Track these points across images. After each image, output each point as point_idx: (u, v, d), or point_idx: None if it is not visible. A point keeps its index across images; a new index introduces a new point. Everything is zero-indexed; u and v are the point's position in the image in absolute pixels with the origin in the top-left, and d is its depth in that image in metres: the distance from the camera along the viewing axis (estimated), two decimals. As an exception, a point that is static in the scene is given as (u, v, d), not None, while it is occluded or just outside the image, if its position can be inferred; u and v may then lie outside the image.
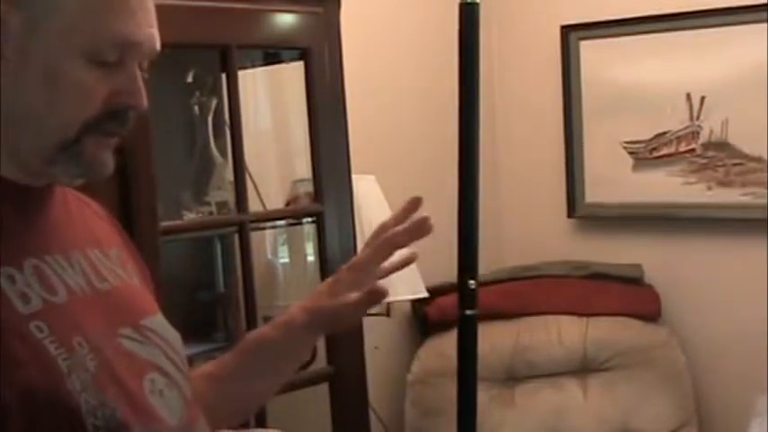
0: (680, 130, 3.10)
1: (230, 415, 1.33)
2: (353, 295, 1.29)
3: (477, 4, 1.33)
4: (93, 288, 1.10)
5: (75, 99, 1.03)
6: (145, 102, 1.08)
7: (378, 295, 1.27)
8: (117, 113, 1.06)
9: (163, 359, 1.13)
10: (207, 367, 1.34)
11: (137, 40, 1.05)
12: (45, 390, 0.96)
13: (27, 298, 1.00)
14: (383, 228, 1.32)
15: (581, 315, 3.06)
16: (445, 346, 2.83)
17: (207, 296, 2.43)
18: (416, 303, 2.99)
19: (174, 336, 1.19)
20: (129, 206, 1.85)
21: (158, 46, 1.08)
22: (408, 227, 1.30)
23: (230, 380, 1.33)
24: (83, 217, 1.18)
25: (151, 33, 1.07)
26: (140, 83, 1.07)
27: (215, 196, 2.27)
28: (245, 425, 1.51)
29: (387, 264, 1.33)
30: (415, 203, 1.31)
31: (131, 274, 1.20)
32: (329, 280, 1.35)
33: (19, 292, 1.00)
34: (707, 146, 3.06)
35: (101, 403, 1.00)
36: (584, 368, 3.00)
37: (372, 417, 2.50)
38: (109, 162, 1.08)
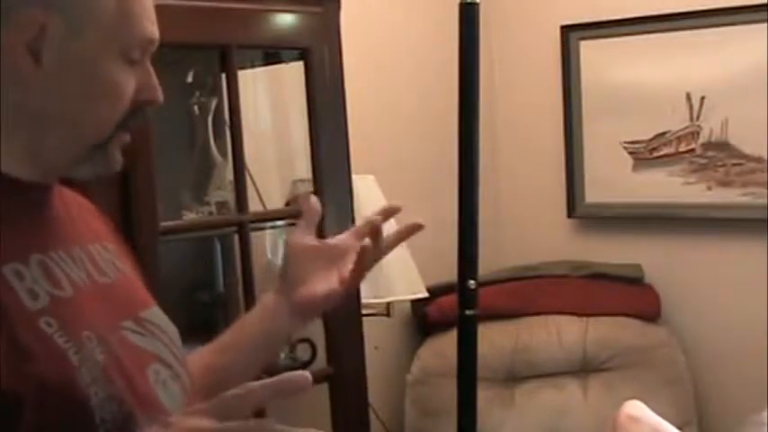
0: (680, 131, 3.10)
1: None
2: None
3: (477, 4, 1.33)
4: (93, 282, 1.11)
5: (112, 98, 1.06)
6: (161, 95, 1.11)
7: (306, 205, 1.33)
8: (137, 109, 1.09)
9: (164, 351, 1.15)
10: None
11: (154, 38, 1.09)
12: (58, 383, 0.97)
13: (35, 294, 1.01)
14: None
15: (581, 315, 3.06)
16: (445, 346, 2.83)
17: (207, 296, 2.43)
18: (416, 303, 2.99)
19: (172, 328, 1.21)
20: (129, 206, 1.85)
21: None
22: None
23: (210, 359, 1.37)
24: (80, 214, 1.19)
25: (156, 30, 1.10)
26: (155, 78, 1.10)
27: (215, 196, 2.27)
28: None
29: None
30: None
31: (127, 268, 1.22)
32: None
33: (27, 288, 1.00)
34: (707, 146, 3.06)
35: (109, 396, 1.00)
36: (584, 368, 3.00)
37: (372, 417, 2.50)
38: (120, 157, 1.11)
